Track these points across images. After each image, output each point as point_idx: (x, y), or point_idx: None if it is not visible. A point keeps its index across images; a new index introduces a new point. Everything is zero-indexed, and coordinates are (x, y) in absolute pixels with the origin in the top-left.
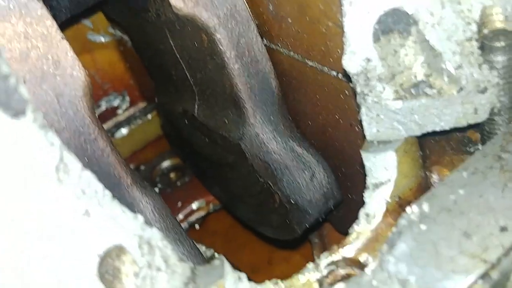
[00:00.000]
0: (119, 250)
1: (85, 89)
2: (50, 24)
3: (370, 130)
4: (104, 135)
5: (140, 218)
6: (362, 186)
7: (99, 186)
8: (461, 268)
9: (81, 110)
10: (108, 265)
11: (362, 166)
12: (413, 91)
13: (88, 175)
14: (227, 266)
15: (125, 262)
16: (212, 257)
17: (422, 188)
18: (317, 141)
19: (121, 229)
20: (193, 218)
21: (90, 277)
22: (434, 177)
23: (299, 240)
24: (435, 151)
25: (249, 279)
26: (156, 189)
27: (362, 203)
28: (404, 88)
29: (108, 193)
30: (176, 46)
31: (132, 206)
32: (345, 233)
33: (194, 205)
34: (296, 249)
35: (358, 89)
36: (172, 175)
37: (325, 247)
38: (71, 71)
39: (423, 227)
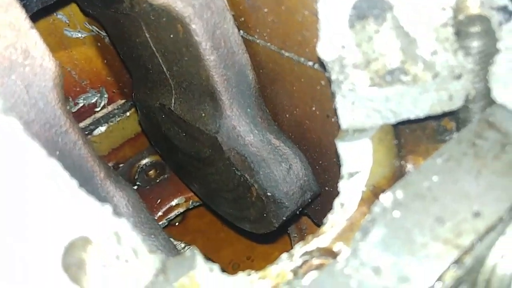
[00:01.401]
0: (85, 241)
1: (56, 80)
2: (18, 13)
3: (345, 118)
4: (76, 127)
5: (108, 208)
6: (338, 177)
7: (64, 175)
8: (434, 254)
9: (51, 101)
10: (73, 256)
11: (339, 157)
12: (388, 78)
13: (53, 163)
14: (199, 257)
15: (91, 253)
16: None
17: (397, 177)
18: (294, 134)
19: (88, 219)
20: (172, 215)
21: (54, 268)
22: (409, 166)
23: (278, 234)
24: (410, 140)
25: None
26: (135, 187)
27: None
28: (379, 75)
29: (74, 182)
30: (151, 38)
31: (105, 200)
32: None
33: (174, 202)
34: (276, 245)
35: (333, 77)
36: (151, 172)
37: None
38: (41, 61)
39: (396, 214)
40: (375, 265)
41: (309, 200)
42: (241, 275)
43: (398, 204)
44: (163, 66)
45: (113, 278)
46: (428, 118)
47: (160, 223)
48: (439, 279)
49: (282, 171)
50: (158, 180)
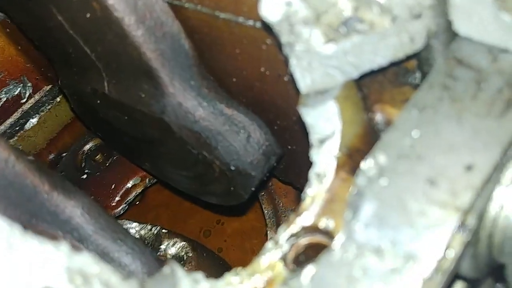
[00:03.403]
0: None
1: None
2: None
3: (304, 81)
4: (3, 143)
5: (64, 246)
6: (301, 135)
7: (2, 224)
8: (434, 222)
9: None
10: None
11: (297, 116)
12: (342, 30)
13: None
14: (179, 271)
15: None
16: (159, 235)
17: (368, 132)
18: (245, 98)
19: (44, 267)
20: (131, 197)
21: None
22: (378, 117)
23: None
24: (373, 89)
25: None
26: (84, 176)
27: (302, 152)
28: (333, 29)
29: (17, 228)
30: (65, 21)
31: (56, 215)
32: (289, 183)
33: (129, 184)
34: (245, 203)
35: (283, 39)
36: (98, 156)
37: (273, 198)
38: None
39: (383, 182)
40: (375, 246)
41: (275, 164)
42: (229, 277)
43: (382, 171)
44: (85, 48)
45: None
46: (390, 65)
47: (120, 208)
48: (447, 248)
49: (241, 141)
50: (107, 164)
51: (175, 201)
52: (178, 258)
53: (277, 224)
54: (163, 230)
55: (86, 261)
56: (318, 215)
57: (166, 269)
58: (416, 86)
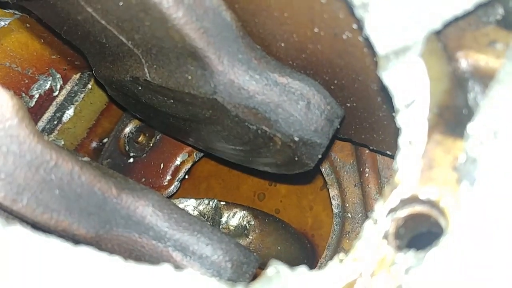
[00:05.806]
0: None
1: (19, 112)
2: None
3: (382, 42)
4: (66, 155)
5: (167, 267)
6: (360, 91)
7: (102, 257)
8: None
9: (25, 140)
10: None
11: (357, 73)
12: None
13: (79, 252)
14: (284, 270)
15: None
16: (218, 207)
17: (455, 84)
18: (296, 62)
19: None
20: (181, 174)
21: None
22: (463, 65)
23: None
24: (451, 35)
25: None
26: (131, 159)
27: (363, 108)
28: None
29: (117, 260)
30: (96, 12)
31: (128, 217)
32: (347, 139)
33: (178, 161)
34: None
35: (356, 1)
36: (141, 138)
37: (328, 154)
38: None
39: (499, 145)
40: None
41: (338, 127)
42: (332, 265)
43: (495, 133)
44: (121, 38)
45: None
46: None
47: (172, 186)
48: None
49: (301, 109)
50: (151, 144)
51: (224, 169)
52: (241, 228)
53: (337, 181)
54: (221, 203)
55: (192, 277)
56: (417, 185)
57: (270, 271)
58: (499, 23)
